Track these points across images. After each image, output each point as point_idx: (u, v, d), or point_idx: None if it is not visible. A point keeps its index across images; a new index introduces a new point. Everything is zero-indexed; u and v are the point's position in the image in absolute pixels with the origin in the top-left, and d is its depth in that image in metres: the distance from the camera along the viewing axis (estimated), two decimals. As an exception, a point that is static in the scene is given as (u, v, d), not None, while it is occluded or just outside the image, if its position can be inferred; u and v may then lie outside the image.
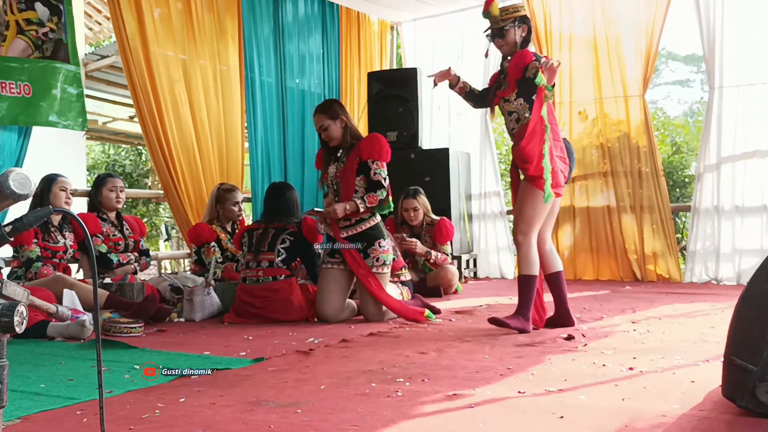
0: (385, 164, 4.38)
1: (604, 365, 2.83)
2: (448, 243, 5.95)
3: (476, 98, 4.19)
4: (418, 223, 5.95)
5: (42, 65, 5.02)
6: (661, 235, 6.62)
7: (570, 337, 3.51)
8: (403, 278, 5.28)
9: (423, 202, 5.97)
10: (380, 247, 4.37)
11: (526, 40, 3.97)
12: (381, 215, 4.59)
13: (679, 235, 8.38)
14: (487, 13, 3.97)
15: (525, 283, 3.85)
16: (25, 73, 4.93)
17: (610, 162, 6.91)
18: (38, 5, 5.08)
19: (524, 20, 3.96)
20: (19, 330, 1.67)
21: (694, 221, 6.51)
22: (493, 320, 3.79)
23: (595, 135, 7.03)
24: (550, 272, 4.01)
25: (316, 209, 4.67)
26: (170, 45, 5.97)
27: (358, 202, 4.26)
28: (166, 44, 5.93)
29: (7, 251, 4.82)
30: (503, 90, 3.96)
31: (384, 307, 4.34)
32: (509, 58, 3.95)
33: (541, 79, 3.70)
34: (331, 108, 4.53)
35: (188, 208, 5.98)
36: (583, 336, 3.58)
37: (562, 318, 3.97)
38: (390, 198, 4.41)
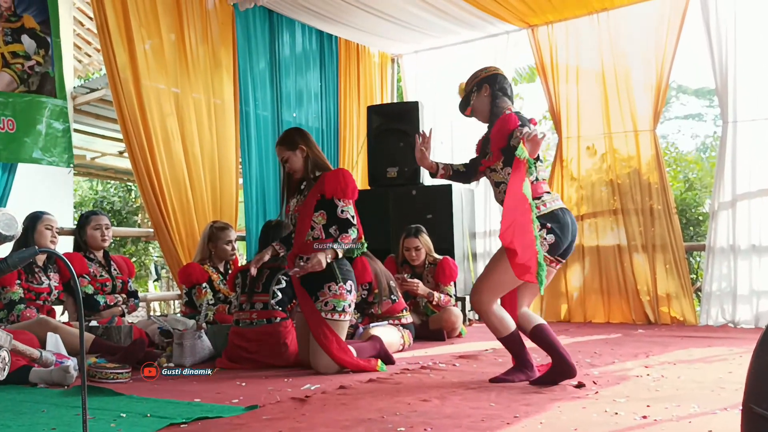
0: (352, 201, 4.23)
1: (616, 413, 2.81)
2: (452, 284, 5.94)
3: (464, 175, 4.07)
4: (420, 263, 5.95)
5: (27, 99, 5.06)
6: (674, 275, 6.61)
7: (580, 384, 3.48)
8: (404, 321, 5.26)
9: (425, 241, 5.96)
10: (330, 290, 4.12)
11: (494, 99, 3.87)
12: (362, 254, 4.55)
13: (694, 276, 8.36)
14: (459, 94, 4.05)
15: (510, 342, 3.69)
16: (9, 108, 4.97)
17: (620, 199, 6.92)
18: (25, 38, 5.14)
19: (482, 84, 3.91)
20: (0, 377, 1.67)
21: (709, 261, 6.49)
22: (495, 380, 3.66)
23: (605, 171, 7.06)
24: (532, 327, 3.66)
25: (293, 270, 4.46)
26: (162, 78, 6.02)
27: (336, 247, 4.07)
28: (158, 77, 5.98)
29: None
30: (488, 159, 3.84)
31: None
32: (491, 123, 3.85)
33: (522, 151, 3.48)
34: (290, 138, 4.34)
35: (179, 247, 5.98)
36: (594, 383, 3.56)
37: (560, 366, 3.57)
38: (361, 237, 4.25)
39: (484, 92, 3.88)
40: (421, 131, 4.06)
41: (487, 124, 3.91)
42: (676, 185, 9.52)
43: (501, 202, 3.71)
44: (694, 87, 16.86)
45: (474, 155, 4.03)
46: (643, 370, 3.95)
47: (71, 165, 5.33)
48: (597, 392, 3.31)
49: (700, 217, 9.53)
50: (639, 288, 6.77)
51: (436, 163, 4.00)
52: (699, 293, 6.94)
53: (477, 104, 3.91)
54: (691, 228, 9.40)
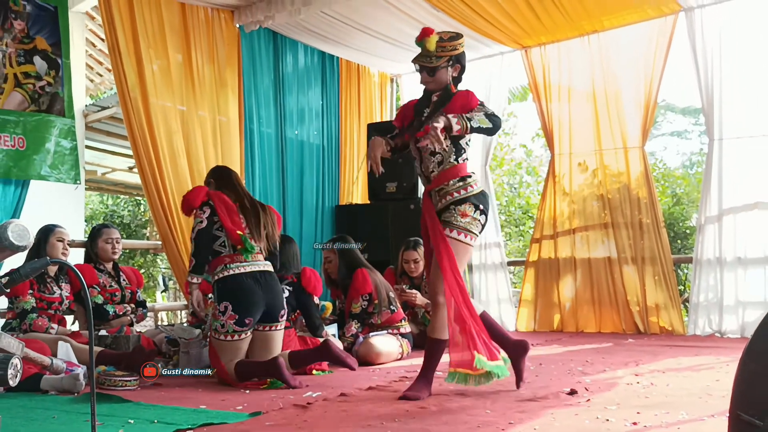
0: None
1: (607, 420, 2.80)
2: None
3: (400, 148, 3.73)
4: (418, 274, 5.94)
5: (37, 119, 5.09)
6: (663, 287, 6.60)
7: (573, 392, 3.47)
8: (402, 330, 5.26)
9: (423, 253, 5.95)
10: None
11: (457, 80, 3.65)
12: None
13: (682, 287, 8.35)
14: (421, 43, 3.56)
15: (435, 347, 3.56)
16: (20, 126, 5.00)
17: (610, 213, 6.93)
18: (37, 59, 5.17)
19: (459, 59, 3.60)
20: (12, 383, 1.66)
21: (696, 273, 6.49)
22: (403, 398, 3.39)
23: (596, 186, 7.07)
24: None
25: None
26: (170, 96, 6.03)
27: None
28: (166, 96, 6.00)
29: (1, 302, 4.80)
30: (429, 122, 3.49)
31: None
32: (437, 93, 3.63)
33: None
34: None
35: (186, 258, 5.96)
36: (586, 390, 3.54)
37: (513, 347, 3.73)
38: None
39: (455, 71, 3.61)
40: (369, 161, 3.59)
41: (436, 96, 3.63)
42: (664, 200, 9.54)
43: (430, 172, 3.59)
44: (682, 105, 16.89)
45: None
46: (633, 378, 3.94)
47: (78, 182, 5.33)
48: (589, 399, 3.30)
49: (688, 231, 9.54)
50: (629, 299, 6.76)
51: (389, 146, 3.65)
52: (687, 304, 6.93)
53: (443, 77, 3.58)
54: (679, 241, 9.41)
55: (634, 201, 6.82)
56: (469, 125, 3.34)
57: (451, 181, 3.57)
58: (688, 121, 17.25)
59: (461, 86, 3.69)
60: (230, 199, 4.18)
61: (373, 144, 3.56)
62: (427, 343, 3.62)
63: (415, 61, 3.61)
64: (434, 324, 3.56)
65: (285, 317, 4.17)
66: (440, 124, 3.28)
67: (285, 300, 4.51)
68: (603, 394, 3.44)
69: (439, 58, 3.53)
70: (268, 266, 4.19)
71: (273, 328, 4.13)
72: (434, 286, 3.53)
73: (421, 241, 6.02)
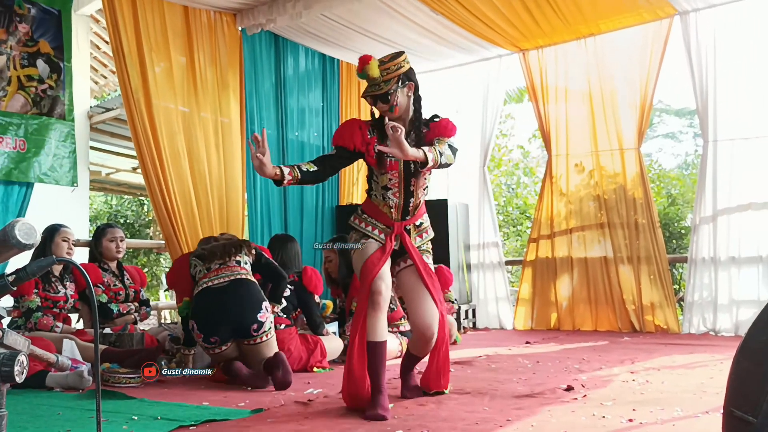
0: None
1: (603, 417, 2.80)
2: (450, 291, 5.93)
3: (314, 175, 3.16)
4: None
5: (38, 121, 5.10)
6: (658, 286, 6.61)
7: (569, 388, 3.48)
8: (402, 328, 5.25)
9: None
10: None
11: (417, 100, 3.27)
12: None
13: (677, 286, 8.36)
14: (363, 74, 3.17)
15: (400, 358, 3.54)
16: (21, 129, 5.01)
17: (606, 213, 6.93)
18: (40, 62, 5.17)
19: (409, 77, 3.24)
20: (19, 380, 1.66)
21: (691, 272, 6.49)
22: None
23: (592, 187, 7.07)
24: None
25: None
26: (173, 98, 6.03)
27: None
28: (169, 97, 5.99)
29: (7, 301, 4.80)
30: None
31: None
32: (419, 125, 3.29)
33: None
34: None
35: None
36: (583, 386, 3.55)
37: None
38: None
39: (409, 90, 3.24)
40: (252, 135, 3.12)
41: (405, 125, 3.23)
42: (660, 200, 9.55)
43: (415, 206, 3.28)
44: (677, 107, 16.90)
45: (320, 153, 3.49)
46: (629, 376, 3.94)
47: (75, 184, 5.32)
48: (585, 396, 3.30)
49: (683, 231, 9.56)
50: (625, 297, 6.77)
51: (280, 169, 3.08)
52: (682, 303, 6.94)
53: (398, 99, 3.18)
54: (674, 241, 9.42)
55: (630, 201, 6.82)
56: (439, 161, 3.06)
57: (425, 216, 3.41)
58: (683, 123, 17.26)
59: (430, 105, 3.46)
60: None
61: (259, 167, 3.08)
62: (406, 357, 3.55)
63: (365, 95, 3.22)
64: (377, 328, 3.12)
65: (261, 330, 3.93)
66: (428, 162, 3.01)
67: (287, 298, 4.53)
68: (599, 391, 3.45)
69: (387, 82, 3.16)
70: (243, 275, 4.13)
71: (249, 342, 3.95)
72: (430, 317, 3.25)
73: None
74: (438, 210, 6.98)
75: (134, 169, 9.92)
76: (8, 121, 4.95)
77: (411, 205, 3.26)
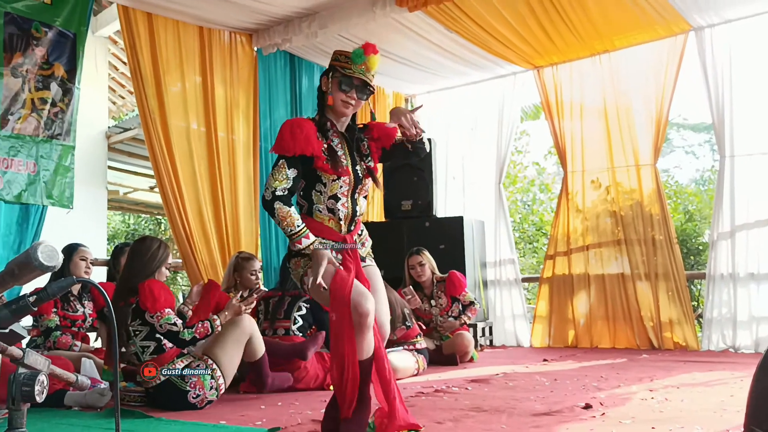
0: None
1: (622, 435, 2.78)
2: (467, 291, 5.92)
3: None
4: (426, 279, 5.95)
5: (48, 144, 5.16)
6: (676, 302, 6.56)
7: (588, 406, 3.45)
8: (418, 346, 5.25)
9: (428, 258, 6.00)
10: None
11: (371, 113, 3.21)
12: None
13: (695, 303, 8.29)
14: (363, 58, 2.90)
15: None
16: (33, 151, 5.06)
17: (623, 230, 6.90)
18: (53, 85, 5.24)
19: None
20: (39, 399, 1.67)
21: (709, 289, 6.44)
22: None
23: (609, 203, 7.05)
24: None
25: None
26: (189, 117, 6.08)
27: None
28: (185, 117, 6.05)
29: (26, 320, 4.84)
30: (369, 161, 3.05)
31: None
32: (342, 123, 3.03)
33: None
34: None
35: (205, 276, 5.99)
36: (601, 405, 3.52)
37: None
38: None
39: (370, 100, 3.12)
40: None
41: (345, 123, 3.04)
42: (677, 216, 9.50)
43: (359, 215, 3.02)
44: (693, 123, 16.83)
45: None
46: (647, 394, 3.91)
47: (71, 207, 5.35)
48: (604, 414, 3.28)
49: (700, 247, 9.49)
50: (643, 314, 6.72)
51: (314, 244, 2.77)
52: (700, 319, 6.88)
53: (362, 105, 3.05)
54: (692, 257, 9.36)
55: (647, 218, 6.79)
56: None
57: (361, 225, 3.12)
58: (700, 139, 17.19)
59: None
60: None
61: (320, 261, 2.72)
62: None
63: (352, 75, 2.91)
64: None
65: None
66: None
67: (303, 316, 4.54)
68: (618, 409, 3.42)
69: (372, 79, 2.99)
70: None
71: None
72: (385, 315, 3.00)
73: (423, 248, 6.07)
74: (454, 227, 6.99)
75: (151, 189, 10.00)
76: (21, 144, 5.02)
77: (357, 214, 2.98)
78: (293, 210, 2.75)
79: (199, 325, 3.72)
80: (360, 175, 2.94)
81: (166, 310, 3.67)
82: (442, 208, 7.81)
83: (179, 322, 3.68)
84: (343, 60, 2.93)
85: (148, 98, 5.73)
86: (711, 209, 7.20)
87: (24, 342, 4.51)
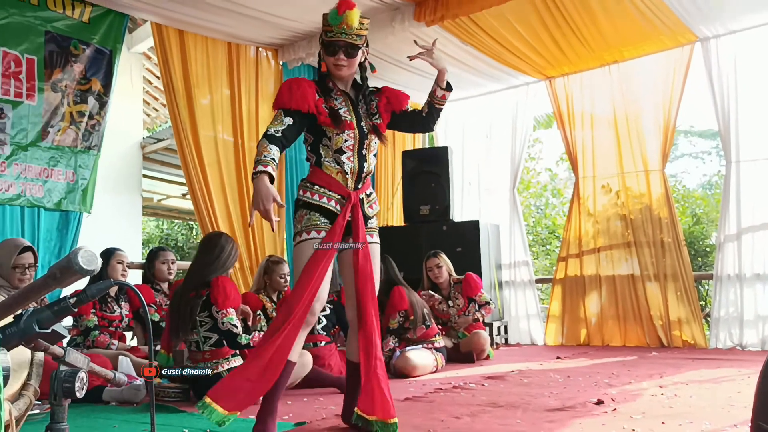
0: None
1: (633, 430, 2.76)
2: (483, 292, 5.91)
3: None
4: (444, 280, 5.95)
5: (85, 154, 5.23)
6: (685, 302, 6.50)
7: (600, 402, 3.43)
8: (437, 344, 5.24)
9: (445, 260, 6.00)
10: None
11: (365, 68, 2.99)
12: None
13: (703, 302, 8.21)
14: (341, 17, 2.76)
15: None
16: (71, 161, 5.13)
17: (633, 232, 6.85)
18: (90, 99, 5.31)
19: (368, 42, 2.96)
20: (79, 395, 1.69)
21: (716, 289, 6.37)
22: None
23: (619, 207, 7.00)
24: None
25: None
26: (218, 128, 6.12)
27: None
28: (214, 127, 6.09)
29: (66, 320, 4.89)
30: (377, 119, 2.97)
31: None
32: (348, 83, 2.97)
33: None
34: None
35: (235, 278, 6.02)
36: (613, 400, 3.50)
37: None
38: None
39: (364, 54, 2.96)
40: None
41: (335, 77, 2.93)
42: (685, 219, 9.42)
43: (367, 173, 2.91)
44: (700, 129, 16.67)
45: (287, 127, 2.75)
46: (657, 390, 3.87)
47: (89, 212, 5.40)
48: (615, 409, 3.25)
49: (707, 249, 9.40)
50: (652, 314, 6.66)
51: (271, 176, 2.68)
52: (708, 318, 6.80)
53: (357, 58, 2.90)
54: (699, 259, 9.27)
55: (656, 221, 6.74)
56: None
57: (371, 188, 3.06)
58: (707, 144, 17.02)
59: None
60: None
61: (263, 195, 2.63)
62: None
63: (332, 39, 2.81)
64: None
65: None
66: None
67: (326, 316, 4.55)
68: (629, 405, 3.39)
69: (359, 36, 2.84)
70: None
71: None
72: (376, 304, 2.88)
73: (440, 251, 6.06)
74: (470, 230, 6.98)
75: (183, 195, 10.07)
76: (60, 155, 5.08)
77: (365, 170, 2.89)
78: (273, 147, 2.68)
79: (256, 334, 3.73)
80: (365, 130, 2.90)
81: (231, 309, 3.68)
82: (458, 213, 7.80)
83: (240, 325, 3.69)
84: (325, 24, 2.85)
85: (179, 110, 5.78)
86: (718, 212, 7.14)
87: (65, 341, 4.57)
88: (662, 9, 5.76)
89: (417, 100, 8.69)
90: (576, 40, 6.39)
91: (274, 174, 2.65)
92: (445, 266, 5.99)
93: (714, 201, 10.26)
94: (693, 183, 16.14)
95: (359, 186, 2.88)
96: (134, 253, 6.50)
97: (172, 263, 5.23)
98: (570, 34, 6.25)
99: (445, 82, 3.09)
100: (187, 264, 10.82)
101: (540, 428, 2.84)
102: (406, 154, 7.67)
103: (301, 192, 2.89)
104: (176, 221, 12.83)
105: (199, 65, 5.98)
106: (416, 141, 8.48)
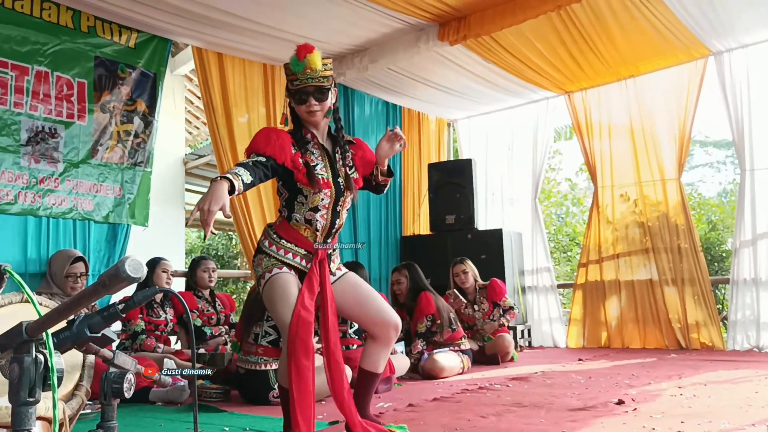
0: None
1: (653, 429, 2.72)
2: (507, 298, 5.89)
3: (250, 186, 2.44)
4: (470, 285, 5.95)
5: (131, 170, 5.31)
6: (702, 305, 6.39)
7: (620, 402, 3.38)
8: (463, 347, 5.21)
9: (470, 265, 6.00)
10: None
11: (336, 110, 2.72)
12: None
13: (720, 306, 8.07)
14: (302, 63, 2.57)
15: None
16: (118, 177, 5.22)
17: (650, 239, 6.77)
18: (136, 119, 5.40)
19: (335, 82, 2.74)
20: (127, 395, 1.71)
21: (733, 292, 6.26)
22: None
23: (637, 214, 6.92)
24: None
25: None
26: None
27: None
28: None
29: (116, 325, 4.95)
30: (353, 173, 2.74)
31: None
32: (319, 130, 2.71)
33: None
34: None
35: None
36: (633, 400, 3.45)
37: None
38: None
39: (334, 95, 2.71)
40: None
41: (308, 124, 2.69)
42: (701, 226, 9.28)
43: (338, 227, 2.72)
44: (715, 139, 16.43)
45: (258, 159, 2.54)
46: (676, 390, 3.81)
47: (146, 225, 5.47)
48: (636, 409, 3.21)
49: (723, 254, 9.26)
50: (671, 317, 6.56)
51: (230, 184, 2.27)
52: (725, 321, 6.68)
53: (330, 101, 2.66)
54: (716, 264, 9.13)
55: (673, 228, 6.65)
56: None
57: (338, 242, 2.86)
58: (722, 154, 16.78)
59: None
60: None
61: (214, 197, 2.19)
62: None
63: (302, 87, 2.60)
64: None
65: None
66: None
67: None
68: (648, 405, 3.35)
69: (325, 78, 2.61)
70: None
71: None
72: (390, 308, 2.75)
73: (466, 257, 6.06)
74: (494, 238, 6.96)
75: (223, 208, 10.15)
76: (108, 171, 5.17)
77: (336, 226, 2.69)
78: (242, 168, 2.39)
79: None
80: (342, 187, 2.67)
81: None
82: (482, 222, 7.77)
83: None
84: (289, 74, 2.64)
85: (219, 128, 5.84)
86: (733, 219, 7.03)
87: (114, 344, 4.63)
88: (676, 25, 5.71)
89: (440, 114, 8.72)
90: (593, 56, 6.35)
91: (236, 185, 2.28)
92: (471, 272, 5.98)
93: (729, 208, 10.10)
94: (709, 191, 15.90)
95: (328, 241, 2.66)
96: (178, 262, 6.57)
97: (213, 271, 5.28)
98: (587, 51, 6.21)
99: (385, 169, 2.80)
100: (227, 272, 10.90)
101: (563, 427, 2.81)
102: (432, 167, 7.67)
103: (266, 243, 2.63)
104: (217, 232, 12.95)
105: (237, 86, 6.04)
106: (441, 154, 8.47)
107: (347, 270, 2.79)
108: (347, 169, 2.70)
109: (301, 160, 2.58)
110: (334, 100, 2.68)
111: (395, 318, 2.68)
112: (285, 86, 2.69)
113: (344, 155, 2.71)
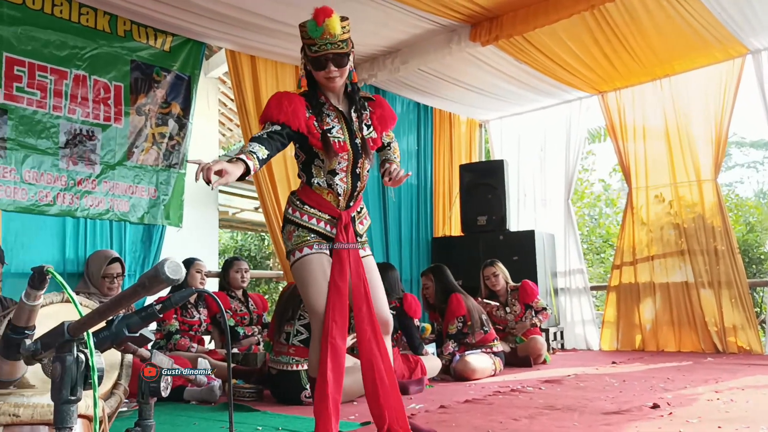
0: None
1: (689, 433, 2.68)
2: (539, 299, 5.86)
3: (267, 161, 2.45)
4: (501, 287, 5.92)
5: (166, 172, 5.38)
6: (739, 308, 6.27)
7: (655, 406, 3.34)
8: (495, 349, 5.19)
9: (501, 268, 5.98)
10: None
11: (352, 70, 2.65)
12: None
13: (758, 309, 7.91)
14: (320, 28, 2.44)
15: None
16: (153, 179, 5.29)
17: (686, 241, 6.66)
18: (170, 121, 5.47)
19: (352, 42, 2.61)
20: (164, 394, 1.74)
21: (772, 295, 6.15)
22: None
23: (672, 216, 6.82)
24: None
25: None
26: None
27: None
28: (285, 146, 6.18)
29: (151, 325, 5.01)
30: (371, 132, 2.69)
31: None
32: (339, 92, 2.67)
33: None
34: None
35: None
36: (668, 404, 3.40)
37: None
38: None
39: (353, 56, 2.63)
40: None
41: (325, 89, 2.64)
42: (738, 228, 9.10)
43: (359, 192, 2.68)
44: (753, 139, 16.13)
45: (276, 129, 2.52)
46: (713, 395, 3.75)
47: (180, 225, 5.53)
48: (671, 413, 3.16)
49: (762, 256, 9.07)
50: (707, 320, 6.46)
51: (244, 164, 2.31)
52: (763, 325, 6.55)
53: (347, 65, 2.59)
54: (754, 266, 8.94)
55: (709, 229, 6.54)
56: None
57: (362, 203, 2.82)
58: (759, 154, 16.46)
59: None
60: None
61: (220, 161, 2.25)
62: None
63: (320, 53, 2.49)
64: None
65: None
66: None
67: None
68: (685, 409, 3.30)
69: (344, 42, 2.51)
70: None
71: None
72: (386, 307, 2.73)
73: (497, 259, 6.03)
74: (526, 240, 6.92)
75: (256, 209, 10.25)
76: (144, 173, 5.25)
77: (358, 189, 2.65)
78: (255, 144, 2.40)
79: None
80: (359, 149, 2.61)
81: None
82: (515, 223, 7.73)
83: None
84: (306, 38, 2.52)
85: (252, 130, 5.89)
86: (772, 220, 6.89)
87: (150, 344, 4.70)
88: (712, 23, 5.61)
89: (471, 115, 8.70)
90: (627, 56, 6.27)
91: (251, 165, 2.28)
92: (501, 274, 5.95)
93: (767, 209, 9.91)
94: (747, 192, 15.60)
95: (351, 204, 2.65)
96: (211, 262, 6.63)
97: (246, 272, 5.33)
98: (621, 50, 6.14)
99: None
100: (259, 273, 10.98)
101: (597, 431, 2.78)
102: (463, 168, 7.65)
103: (290, 210, 2.66)
104: (249, 233, 13.06)
105: (269, 88, 6.09)
106: (472, 154, 8.44)
107: (370, 253, 2.77)
108: (365, 129, 2.66)
109: (315, 124, 2.55)
110: (352, 64, 2.61)
111: (389, 317, 2.69)
112: (301, 48, 2.59)
113: (360, 115, 2.66)
